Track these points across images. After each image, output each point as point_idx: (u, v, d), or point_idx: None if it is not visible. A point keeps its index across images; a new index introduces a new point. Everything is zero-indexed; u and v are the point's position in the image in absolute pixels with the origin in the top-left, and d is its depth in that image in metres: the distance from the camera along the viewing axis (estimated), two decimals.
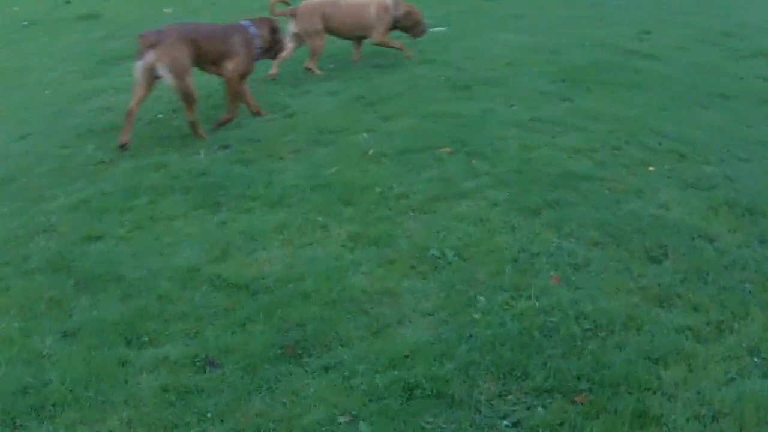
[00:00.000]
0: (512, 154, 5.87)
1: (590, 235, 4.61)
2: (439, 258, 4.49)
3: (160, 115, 6.91)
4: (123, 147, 6.31)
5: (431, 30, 9.66)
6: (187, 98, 6.35)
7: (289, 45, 8.08)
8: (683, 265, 4.27)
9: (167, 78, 6.26)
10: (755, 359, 3.54)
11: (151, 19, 10.70)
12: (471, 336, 3.74)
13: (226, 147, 6.29)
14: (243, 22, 6.84)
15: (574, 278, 4.20)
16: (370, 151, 6.05)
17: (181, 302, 4.16)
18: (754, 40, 8.45)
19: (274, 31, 7.02)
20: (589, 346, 3.64)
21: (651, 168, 5.45)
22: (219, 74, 6.73)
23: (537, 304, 3.98)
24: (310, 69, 8.14)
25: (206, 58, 6.53)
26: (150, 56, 6.21)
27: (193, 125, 6.50)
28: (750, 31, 8.83)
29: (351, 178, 5.59)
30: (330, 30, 8.21)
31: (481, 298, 4.07)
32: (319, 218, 5.04)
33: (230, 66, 6.62)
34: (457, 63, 8.39)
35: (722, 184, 5.13)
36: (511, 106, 6.90)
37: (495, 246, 4.57)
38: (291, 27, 8.12)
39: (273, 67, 8.03)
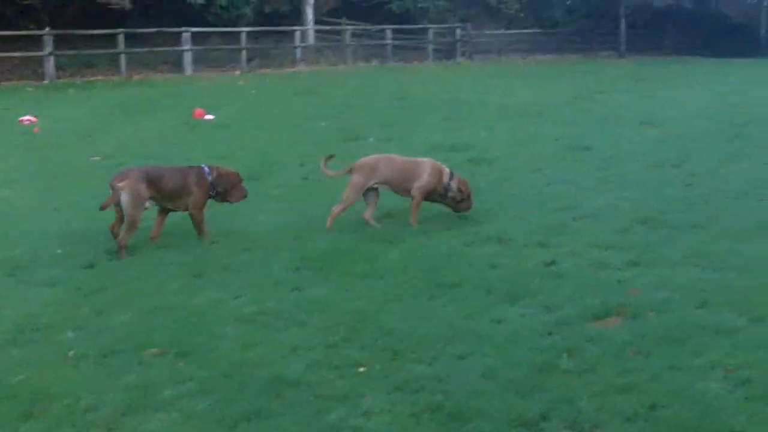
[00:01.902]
0: (226, 354, 5.53)
1: None
2: None
3: None
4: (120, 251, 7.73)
5: None
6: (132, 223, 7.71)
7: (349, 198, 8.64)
8: None
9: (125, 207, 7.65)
10: None
11: None
12: None
13: None
14: (203, 166, 8.26)
15: None
16: (71, 353, 5.55)
17: None
18: (491, 224, 8.67)
19: (222, 176, 8.22)
20: None
21: (362, 369, 5.24)
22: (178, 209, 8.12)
23: None
24: (333, 216, 8.57)
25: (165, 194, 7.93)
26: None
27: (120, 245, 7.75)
28: (489, 215, 9.08)
29: (40, 386, 5.06)
30: (384, 183, 8.65)
31: None
32: None
33: (190, 201, 8.05)
34: (199, 247, 8.08)
35: (430, 386, 4.96)
36: (239, 297, 6.61)
37: None
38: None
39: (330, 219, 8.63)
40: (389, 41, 34.44)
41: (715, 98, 21.18)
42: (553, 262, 7.38)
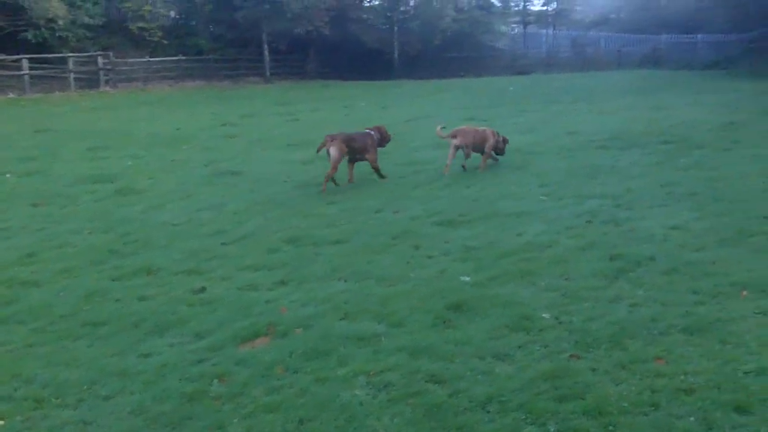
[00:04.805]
0: None
1: None
2: None
3: None
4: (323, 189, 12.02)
5: None
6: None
7: (450, 154, 12.78)
8: None
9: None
10: None
11: None
12: None
13: None
14: (369, 130, 12.67)
15: None
16: None
17: None
18: (140, 256, 8.50)
19: (382, 133, 12.74)
20: None
21: (1, 422, 4.90)
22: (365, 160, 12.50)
23: None
24: (482, 167, 12.91)
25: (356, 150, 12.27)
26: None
27: (328, 176, 12.04)
28: (138, 246, 8.90)
29: None
30: (472, 143, 12.85)
31: None
32: None
33: (371, 156, 12.44)
34: None
35: None
36: None
37: None
38: (455, 142, 12.68)
39: (445, 169, 12.79)
40: (26, 72, 32.51)
41: (356, 118, 22.40)
42: (203, 289, 7.38)
